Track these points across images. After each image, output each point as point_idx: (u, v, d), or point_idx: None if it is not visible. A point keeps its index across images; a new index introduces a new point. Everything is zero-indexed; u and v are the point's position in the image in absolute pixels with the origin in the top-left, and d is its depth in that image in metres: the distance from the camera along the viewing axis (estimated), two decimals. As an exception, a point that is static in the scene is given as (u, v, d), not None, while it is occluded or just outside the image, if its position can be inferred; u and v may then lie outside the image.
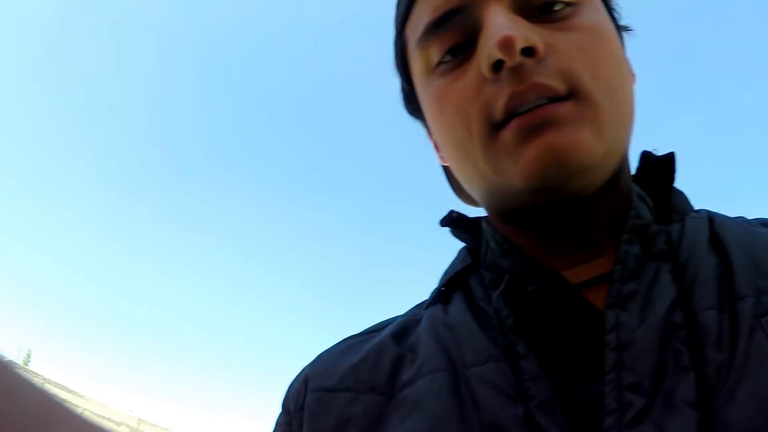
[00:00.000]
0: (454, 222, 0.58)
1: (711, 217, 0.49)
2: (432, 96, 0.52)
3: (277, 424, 0.53)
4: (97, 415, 14.11)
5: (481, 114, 0.46)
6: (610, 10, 0.54)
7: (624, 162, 0.51)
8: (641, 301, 0.42)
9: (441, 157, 0.60)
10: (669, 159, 0.52)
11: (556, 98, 0.44)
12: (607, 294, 0.42)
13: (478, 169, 0.48)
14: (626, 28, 0.56)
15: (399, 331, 0.53)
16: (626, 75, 0.51)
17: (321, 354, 0.56)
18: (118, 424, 14.91)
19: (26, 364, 25.77)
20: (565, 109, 0.43)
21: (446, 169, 0.62)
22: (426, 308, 0.54)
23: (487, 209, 0.55)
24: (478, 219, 0.57)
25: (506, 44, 0.42)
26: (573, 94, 0.44)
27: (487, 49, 0.44)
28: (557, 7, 0.47)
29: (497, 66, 0.44)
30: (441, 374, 0.44)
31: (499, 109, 0.45)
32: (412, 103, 0.60)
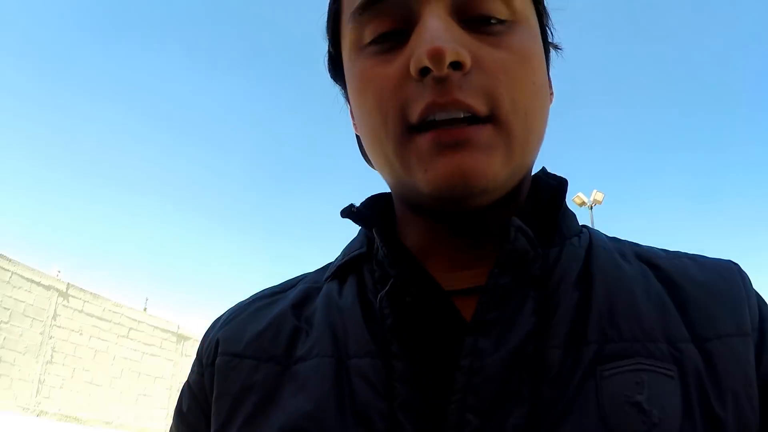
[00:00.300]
0: (353, 215, 0.60)
1: (591, 244, 0.56)
2: (356, 74, 0.54)
3: (192, 370, 0.62)
4: (26, 279, 14.16)
5: (398, 112, 0.49)
6: (543, 29, 0.58)
7: (526, 177, 0.57)
8: (501, 328, 0.47)
9: (355, 126, 0.63)
10: (560, 185, 0.58)
11: (475, 118, 0.47)
12: (471, 317, 0.48)
13: (389, 161, 0.52)
14: (556, 47, 0.62)
15: (299, 301, 0.60)
16: (544, 100, 0.55)
17: (232, 313, 0.63)
18: (47, 288, 14.87)
19: None
20: (483, 133, 0.48)
21: (359, 138, 0.63)
22: (325, 280, 0.61)
23: (392, 192, 0.61)
24: (374, 215, 0.62)
25: (436, 56, 0.45)
26: (492, 117, 0.48)
27: (417, 54, 0.47)
28: (493, 21, 0.50)
29: (424, 72, 0.47)
30: (327, 360, 0.51)
31: (416, 113, 0.48)
32: (335, 69, 0.63)
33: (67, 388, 14.99)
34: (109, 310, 16.52)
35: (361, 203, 0.65)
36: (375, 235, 0.56)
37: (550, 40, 0.61)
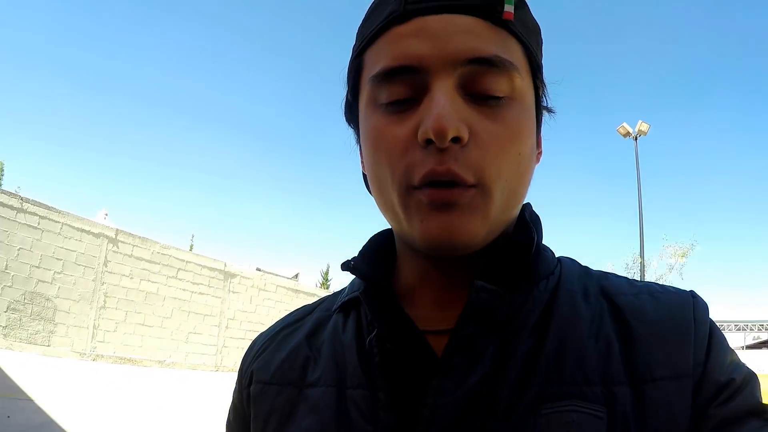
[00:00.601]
0: (351, 269, 0.69)
1: (557, 286, 0.64)
2: (371, 129, 0.62)
3: (235, 387, 0.78)
4: (76, 229, 14.68)
5: (404, 171, 0.58)
6: (539, 98, 0.66)
7: (508, 226, 0.64)
8: (462, 371, 0.57)
9: (363, 165, 0.70)
10: (528, 241, 0.64)
11: (463, 184, 0.56)
12: (440, 360, 0.58)
13: (394, 210, 0.61)
14: (550, 110, 0.69)
15: (312, 330, 0.73)
16: (528, 166, 0.62)
17: (264, 343, 0.77)
18: (97, 235, 15.38)
19: None
20: (467, 195, 0.56)
21: (365, 176, 0.72)
22: (334, 311, 0.74)
23: (394, 231, 0.70)
24: (372, 262, 0.71)
25: (440, 133, 0.54)
26: (477, 185, 0.56)
27: (425, 127, 0.55)
28: (496, 94, 0.58)
29: (428, 142, 0.55)
30: (332, 389, 0.64)
31: (417, 178, 0.56)
32: (351, 114, 0.71)
33: (120, 331, 15.80)
34: (158, 253, 17.09)
35: (363, 246, 0.74)
36: (362, 299, 0.67)
37: (544, 105, 0.68)
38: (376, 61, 0.61)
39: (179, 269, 17.77)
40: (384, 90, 0.60)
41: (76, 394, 9.34)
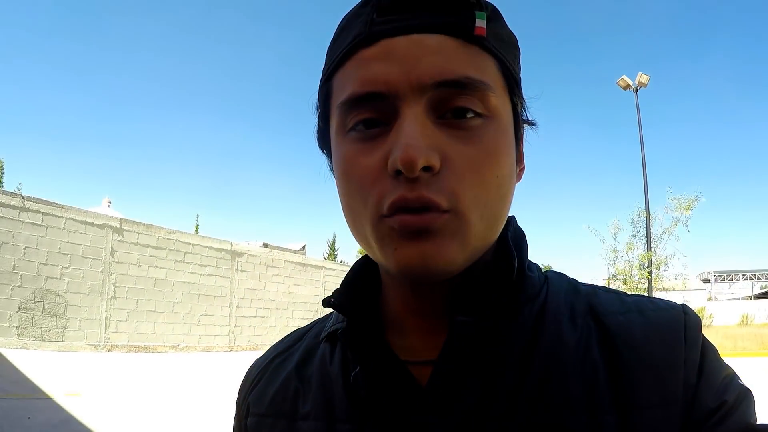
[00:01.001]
0: (333, 306, 0.68)
1: (543, 309, 0.63)
2: (341, 158, 0.60)
3: (234, 416, 0.79)
4: (80, 222, 14.77)
5: (375, 201, 0.55)
6: (517, 114, 0.63)
7: (489, 249, 0.62)
8: (447, 404, 0.58)
9: (338, 189, 0.66)
10: (508, 267, 0.62)
11: (437, 209, 0.53)
12: (423, 393, 0.59)
13: (367, 239, 0.59)
14: (531, 123, 0.67)
15: (301, 360, 0.73)
16: (507, 189, 0.59)
17: (257, 374, 0.77)
18: (102, 227, 15.46)
19: None
20: (441, 221, 0.53)
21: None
22: (321, 340, 0.73)
23: (371, 257, 0.66)
24: (353, 297, 0.69)
25: (408, 164, 0.51)
26: (452, 210, 0.54)
27: (394, 158, 0.53)
28: (469, 115, 0.55)
29: (398, 173, 0.53)
30: (322, 424, 0.64)
31: (387, 206, 0.54)
32: (323, 141, 0.68)
33: (132, 320, 16.01)
34: (163, 238, 17.18)
35: (347, 275, 0.72)
36: (341, 338, 0.67)
37: (524, 119, 0.65)
38: (344, 87, 0.59)
39: (186, 253, 17.88)
40: (352, 117, 0.58)
41: (93, 387, 9.52)
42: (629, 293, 0.68)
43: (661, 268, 20.48)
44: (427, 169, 0.52)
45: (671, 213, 20.11)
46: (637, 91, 20.57)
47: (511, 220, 0.69)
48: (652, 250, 20.08)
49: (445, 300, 0.62)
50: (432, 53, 0.55)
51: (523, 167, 0.67)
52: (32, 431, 6.47)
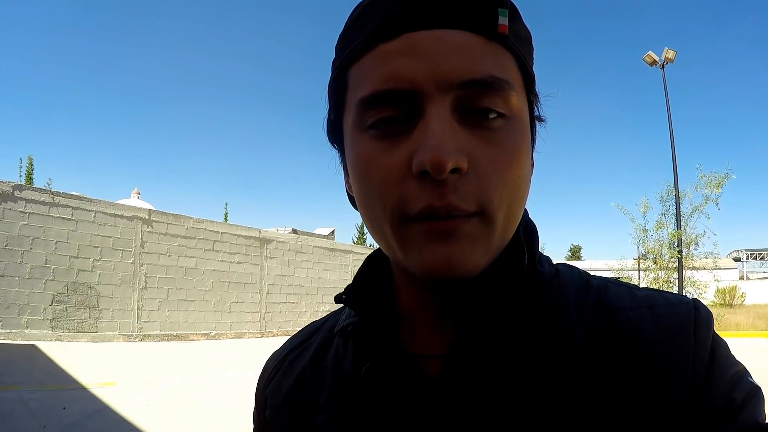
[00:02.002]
0: (344, 302, 0.69)
1: (552, 306, 0.63)
2: (358, 156, 0.58)
3: (254, 407, 0.81)
4: (109, 215, 15.02)
5: (398, 203, 0.54)
6: (532, 109, 0.62)
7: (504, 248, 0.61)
8: (456, 397, 0.58)
9: (348, 184, 0.67)
10: (520, 263, 0.62)
11: (464, 214, 0.53)
12: (434, 388, 0.60)
13: (387, 241, 0.58)
14: (541, 119, 0.65)
15: (316, 354, 0.74)
16: (526, 187, 0.59)
17: (274, 367, 0.79)
18: (131, 219, 15.66)
19: (29, 175, 26.10)
20: (469, 225, 0.53)
21: (350, 195, 0.68)
22: (336, 332, 0.73)
23: (389, 257, 0.64)
24: (365, 294, 0.69)
25: (437, 166, 0.50)
26: (479, 213, 0.53)
27: (420, 158, 0.51)
28: (492, 116, 0.54)
29: (424, 173, 0.52)
30: (335, 415, 0.66)
31: (415, 210, 0.53)
32: (334, 134, 0.66)
33: (164, 309, 16.29)
34: (192, 228, 17.36)
35: (360, 269, 0.73)
36: (353, 334, 0.69)
37: (537, 115, 0.64)
38: (363, 82, 0.57)
39: (215, 241, 18.05)
40: (373, 114, 0.55)
41: (127, 376, 9.73)
42: (641, 287, 0.67)
43: (692, 247, 20.05)
44: (454, 170, 0.51)
45: (701, 191, 19.69)
46: (663, 67, 20.15)
47: (523, 214, 0.68)
48: (682, 228, 19.72)
49: (456, 297, 0.62)
50: (457, 51, 0.54)
51: (533, 164, 0.66)
52: (67, 421, 6.61)
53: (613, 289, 0.65)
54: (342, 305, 0.74)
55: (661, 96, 20.06)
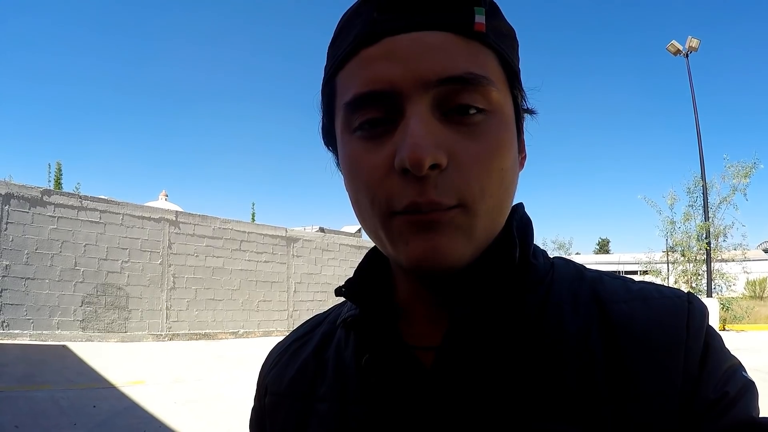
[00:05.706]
0: (343, 295, 0.71)
1: (546, 298, 0.64)
2: (348, 156, 0.61)
3: (255, 396, 0.83)
4: (137, 217, 15.18)
5: (385, 199, 0.57)
6: (517, 104, 0.64)
7: (494, 240, 0.62)
8: (448, 386, 0.60)
9: (347, 186, 0.67)
10: (511, 255, 0.63)
11: (445, 207, 0.55)
12: (428, 377, 0.61)
13: (377, 234, 0.61)
14: (531, 112, 0.68)
15: (319, 345, 0.77)
16: (511, 180, 0.61)
17: (276, 357, 0.81)
18: (158, 220, 15.82)
19: (58, 179, 26.37)
20: (449, 216, 0.55)
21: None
22: (338, 325, 0.76)
23: (381, 250, 0.66)
24: (364, 287, 0.71)
25: (416, 163, 0.52)
26: (459, 205, 0.55)
27: (401, 157, 0.53)
28: (472, 111, 0.56)
29: (406, 171, 0.54)
30: (337, 404, 0.67)
31: (400, 205, 0.56)
32: (329, 138, 0.70)
33: (192, 308, 16.41)
34: (219, 228, 17.46)
35: (360, 263, 0.75)
36: (352, 327, 0.70)
37: (524, 108, 0.66)
38: (348, 87, 0.59)
39: (242, 241, 18.13)
40: (358, 116, 0.58)
41: (156, 375, 9.83)
42: (636, 280, 0.68)
43: (720, 239, 19.77)
44: (434, 166, 0.53)
45: (729, 181, 19.43)
46: (687, 55, 19.89)
47: (518, 208, 0.70)
48: (710, 220, 19.42)
49: (448, 288, 0.64)
50: (434, 50, 0.55)
51: (525, 155, 0.69)
52: (97, 419, 6.67)
53: (608, 282, 0.66)
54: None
55: (686, 82, 19.72)
